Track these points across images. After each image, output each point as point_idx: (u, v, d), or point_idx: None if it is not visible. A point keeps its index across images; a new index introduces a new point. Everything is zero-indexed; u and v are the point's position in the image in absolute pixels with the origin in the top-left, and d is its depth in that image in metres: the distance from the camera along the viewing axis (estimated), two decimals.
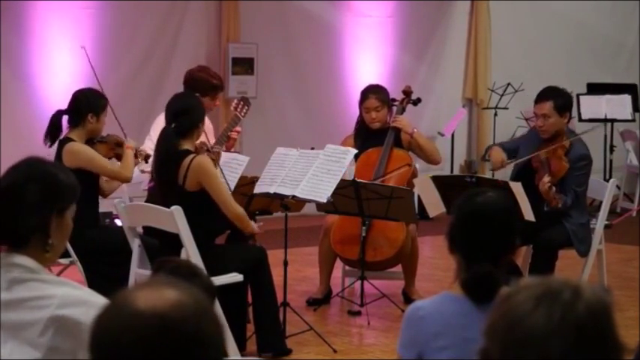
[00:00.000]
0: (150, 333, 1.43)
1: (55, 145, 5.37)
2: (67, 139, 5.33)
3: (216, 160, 5.25)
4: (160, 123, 5.91)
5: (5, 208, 2.37)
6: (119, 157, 5.54)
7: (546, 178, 5.50)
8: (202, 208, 4.88)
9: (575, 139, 5.88)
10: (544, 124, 5.75)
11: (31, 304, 2.31)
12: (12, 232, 2.37)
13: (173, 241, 4.85)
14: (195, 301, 1.47)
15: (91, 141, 5.42)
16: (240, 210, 4.99)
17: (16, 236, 2.37)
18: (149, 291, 1.47)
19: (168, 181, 4.96)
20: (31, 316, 2.30)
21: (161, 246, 5.05)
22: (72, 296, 2.31)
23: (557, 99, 5.77)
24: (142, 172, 5.76)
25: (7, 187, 2.39)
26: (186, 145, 4.96)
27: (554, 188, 5.48)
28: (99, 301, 2.27)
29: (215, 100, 5.96)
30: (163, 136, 5.00)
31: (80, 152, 5.28)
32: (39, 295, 2.31)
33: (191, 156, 4.90)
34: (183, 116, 4.95)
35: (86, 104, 5.36)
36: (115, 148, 5.49)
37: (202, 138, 5.27)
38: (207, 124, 5.66)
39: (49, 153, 5.32)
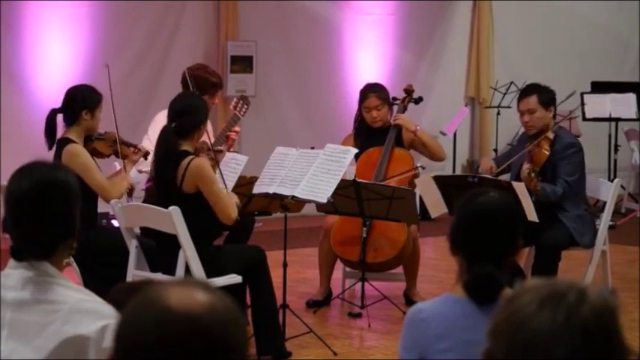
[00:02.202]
0: (179, 332, 1.40)
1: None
2: (67, 140, 5.27)
3: (216, 160, 5.18)
4: (158, 122, 5.87)
5: (34, 219, 2.38)
6: (117, 154, 5.48)
7: (526, 165, 5.52)
8: (199, 210, 4.82)
9: (558, 128, 5.90)
10: (530, 119, 5.80)
11: (42, 306, 2.33)
12: (42, 243, 2.37)
13: (170, 242, 4.79)
14: (226, 307, 1.45)
15: (89, 138, 5.37)
16: (235, 216, 4.91)
17: (46, 246, 2.38)
18: (182, 290, 1.45)
19: (166, 181, 4.90)
20: (40, 319, 2.32)
21: (158, 247, 4.99)
22: (82, 305, 2.31)
23: (542, 93, 5.82)
24: (140, 172, 5.70)
25: (30, 198, 2.39)
26: (186, 146, 4.91)
27: (533, 174, 5.48)
28: (108, 311, 2.27)
29: (214, 99, 5.90)
30: (163, 135, 4.95)
31: (78, 157, 5.21)
32: (51, 299, 2.33)
33: (189, 157, 4.84)
34: (185, 116, 4.91)
35: (80, 101, 5.30)
36: (113, 145, 5.44)
37: (204, 138, 5.20)
38: (207, 123, 5.59)
39: (48, 152, 5.28)
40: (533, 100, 5.77)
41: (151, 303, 1.44)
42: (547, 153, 5.68)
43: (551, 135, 5.75)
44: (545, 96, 5.81)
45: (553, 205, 5.67)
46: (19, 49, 8.16)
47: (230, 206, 4.89)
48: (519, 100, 5.89)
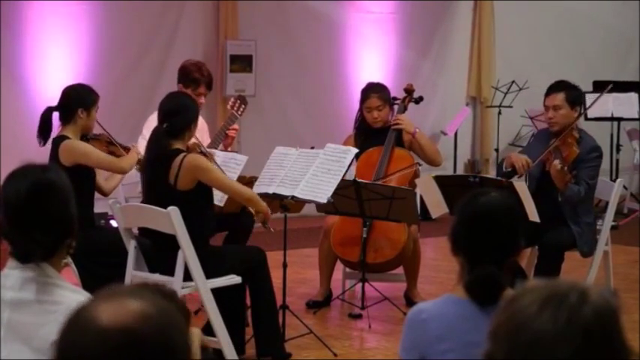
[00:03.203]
0: (116, 349, 1.40)
1: (49, 143, 5.30)
2: (62, 137, 5.26)
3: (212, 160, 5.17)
4: (152, 121, 5.83)
5: (35, 222, 2.39)
6: (113, 155, 5.46)
7: (556, 161, 5.45)
8: (192, 209, 4.79)
9: (580, 130, 5.85)
10: (554, 115, 5.73)
11: (39, 306, 2.34)
12: (44, 245, 2.39)
13: (169, 243, 4.75)
14: (159, 311, 1.43)
15: (84, 137, 5.35)
16: (248, 192, 4.98)
17: (49, 248, 2.39)
18: (111, 304, 1.44)
19: (158, 181, 4.87)
20: (37, 319, 2.33)
21: (156, 247, 4.95)
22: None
23: (570, 91, 5.78)
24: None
25: (29, 202, 2.40)
26: (177, 146, 4.89)
27: (565, 168, 5.42)
28: None
29: (200, 97, 5.80)
30: (155, 136, 4.92)
31: (76, 147, 5.23)
32: (49, 300, 2.33)
33: (182, 155, 4.82)
34: (175, 116, 4.88)
35: (76, 99, 5.29)
36: (108, 146, 5.43)
37: (193, 139, 5.17)
38: (202, 123, 5.56)
39: (44, 152, 5.26)
40: (560, 97, 5.72)
41: (84, 323, 1.43)
42: (577, 151, 5.61)
43: (576, 134, 5.71)
44: (573, 94, 5.76)
45: (563, 209, 5.62)
46: (19, 48, 8.14)
47: (240, 186, 4.98)
48: (546, 95, 5.81)
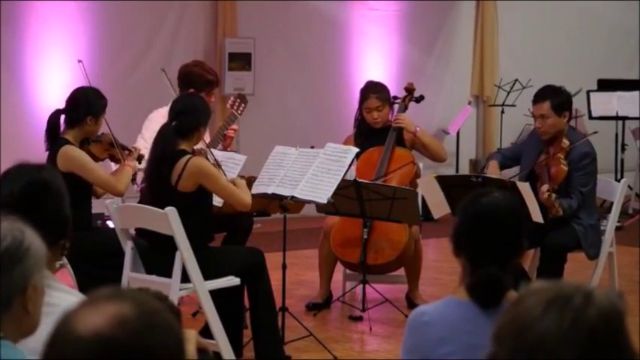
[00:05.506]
0: (95, 357, 1.38)
1: None
2: (63, 141, 5.19)
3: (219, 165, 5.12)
4: (152, 120, 5.80)
5: (28, 222, 2.34)
6: (113, 158, 5.41)
7: (544, 187, 5.38)
8: (192, 210, 4.75)
9: (572, 131, 5.80)
10: (542, 125, 5.68)
11: None
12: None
13: (167, 244, 4.70)
14: (139, 313, 1.41)
15: (86, 140, 5.29)
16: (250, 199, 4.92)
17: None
18: (88, 311, 1.43)
19: (160, 179, 4.83)
20: None
21: (152, 248, 4.89)
22: None
23: (554, 98, 5.68)
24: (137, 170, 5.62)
25: (23, 201, 2.40)
26: (184, 146, 4.85)
27: (553, 196, 5.35)
28: None
29: (210, 97, 5.81)
30: (162, 133, 4.88)
31: (74, 158, 5.15)
32: (45, 302, 2.29)
33: (187, 157, 4.78)
34: (186, 116, 4.84)
35: (86, 106, 5.21)
36: (109, 149, 5.38)
37: (200, 144, 5.12)
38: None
39: (46, 154, 5.21)
40: (546, 106, 5.64)
41: (63, 335, 1.43)
42: (566, 169, 5.53)
43: (566, 144, 5.62)
44: (559, 101, 5.66)
45: (563, 218, 5.55)
46: (20, 48, 8.13)
47: (241, 193, 4.89)
48: (533, 103, 5.77)
